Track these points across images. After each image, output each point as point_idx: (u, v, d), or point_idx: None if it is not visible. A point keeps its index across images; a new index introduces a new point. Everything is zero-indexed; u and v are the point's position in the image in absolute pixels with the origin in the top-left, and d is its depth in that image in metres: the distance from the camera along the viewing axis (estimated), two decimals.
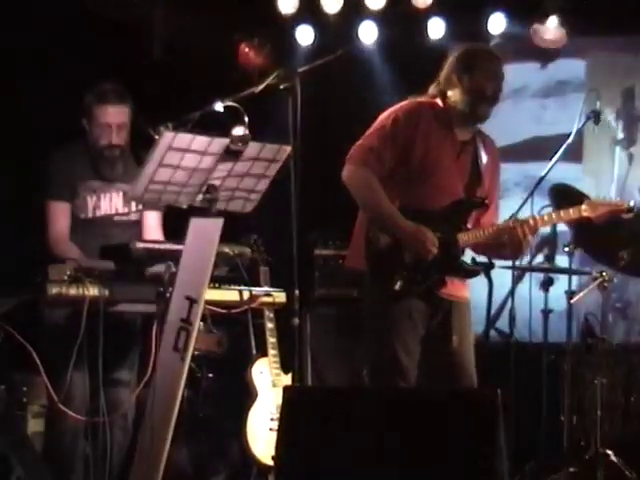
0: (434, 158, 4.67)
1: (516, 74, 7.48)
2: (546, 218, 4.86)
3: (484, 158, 4.81)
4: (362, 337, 4.89)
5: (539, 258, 6.54)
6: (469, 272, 4.68)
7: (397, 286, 4.57)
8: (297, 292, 4.46)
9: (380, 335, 4.57)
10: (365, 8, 7.39)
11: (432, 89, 4.77)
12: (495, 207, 4.90)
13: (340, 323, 6.33)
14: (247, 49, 7.16)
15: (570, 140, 5.64)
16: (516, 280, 6.10)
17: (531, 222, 4.65)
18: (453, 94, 4.67)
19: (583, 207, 4.75)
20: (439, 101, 4.73)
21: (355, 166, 4.60)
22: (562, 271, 6.16)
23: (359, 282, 4.74)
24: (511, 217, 4.85)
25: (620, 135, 7.76)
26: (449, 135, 4.74)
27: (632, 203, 4.71)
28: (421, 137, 4.66)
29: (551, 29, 7.41)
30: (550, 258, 6.29)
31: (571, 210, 4.80)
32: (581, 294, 6.05)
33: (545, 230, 5.96)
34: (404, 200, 4.63)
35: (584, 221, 4.76)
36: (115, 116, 5.07)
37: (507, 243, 4.63)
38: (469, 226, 4.71)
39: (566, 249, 5.90)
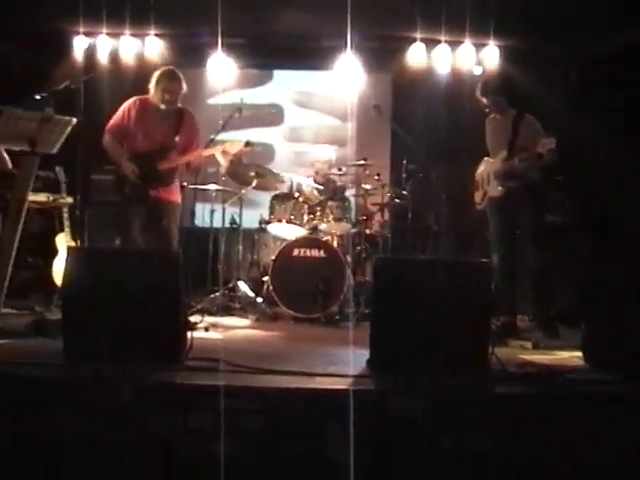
0: (146, 127, 7.51)
1: None
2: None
3: (182, 123, 7.59)
4: None
5: None
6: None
7: (127, 189, 7.38)
8: (79, 197, 7.80)
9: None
10: None
11: (149, 93, 7.54)
12: (195, 145, 7.65)
13: (103, 215, 9.03)
14: None
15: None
16: None
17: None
18: (153, 95, 7.51)
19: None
20: (150, 97, 7.53)
21: (107, 134, 7.52)
22: None
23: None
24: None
25: None
26: (154, 114, 7.53)
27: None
28: (138, 116, 7.53)
29: None
30: None
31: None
32: None
33: None
34: (132, 148, 7.50)
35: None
36: None
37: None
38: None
39: None
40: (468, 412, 4.65)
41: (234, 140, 7.90)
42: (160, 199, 7.51)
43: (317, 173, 9.76)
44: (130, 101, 7.64)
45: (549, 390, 4.91)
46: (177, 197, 7.71)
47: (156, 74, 7.54)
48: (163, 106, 7.52)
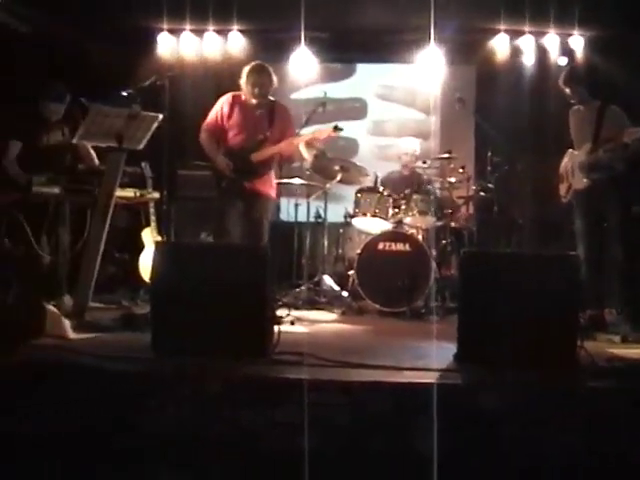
0: (239, 121, 7.66)
1: None
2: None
3: (274, 116, 7.66)
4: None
5: None
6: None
7: (224, 184, 7.54)
8: (165, 192, 7.86)
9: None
10: None
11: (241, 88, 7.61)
12: (290, 137, 7.63)
13: (189, 210, 9.49)
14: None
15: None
16: None
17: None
18: (244, 90, 7.62)
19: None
20: (242, 93, 7.65)
21: (202, 132, 7.68)
22: None
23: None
24: None
25: None
26: (246, 109, 7.66)
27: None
28: (231, 111, 7.65)
29: None
30: None
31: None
32: None
33: None
34: (226, 143, 7.64)
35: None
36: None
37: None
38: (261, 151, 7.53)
39: None
40: (556, 407, 4.59)
41: (321, 128, 8.01)
42: (255, 191, 7.62)
43: (405, 166, 9.77)
44: (224, 98, 7.77)
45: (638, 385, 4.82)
46: (272, 191, 7.81)
47: (245, 69, 7.61)
48: (254, 100, 7.62)
